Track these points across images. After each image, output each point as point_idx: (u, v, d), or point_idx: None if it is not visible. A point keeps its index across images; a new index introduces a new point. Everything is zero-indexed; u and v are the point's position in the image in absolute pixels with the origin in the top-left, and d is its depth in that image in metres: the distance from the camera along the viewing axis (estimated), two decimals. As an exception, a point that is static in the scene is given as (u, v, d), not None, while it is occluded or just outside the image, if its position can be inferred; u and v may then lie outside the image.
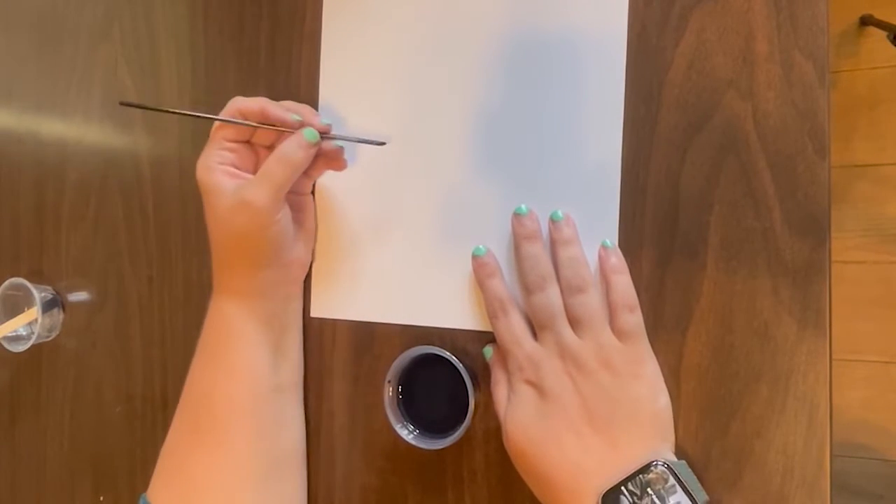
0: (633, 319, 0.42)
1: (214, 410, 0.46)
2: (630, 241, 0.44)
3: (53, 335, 0.64)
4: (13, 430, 0.66)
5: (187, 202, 0.58)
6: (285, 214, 0.46)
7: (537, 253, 0.44)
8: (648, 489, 0.37)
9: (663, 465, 0.38)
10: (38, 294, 0.62)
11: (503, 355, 0.44)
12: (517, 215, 0.45)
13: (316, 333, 0.53)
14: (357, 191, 0.51)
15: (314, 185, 0.52)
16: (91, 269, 0.63)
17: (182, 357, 0.58)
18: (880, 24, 1.30)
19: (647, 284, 0.43)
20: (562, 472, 0.39)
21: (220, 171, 0.45)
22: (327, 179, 0.52)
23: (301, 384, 0.52)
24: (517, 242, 0.45)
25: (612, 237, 0.44)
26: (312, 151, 0.45)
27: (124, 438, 0.60)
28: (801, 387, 0.40)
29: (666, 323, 0.43)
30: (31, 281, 0.63)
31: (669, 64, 0.44)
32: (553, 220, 0.44)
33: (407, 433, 0.46)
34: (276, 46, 0.55)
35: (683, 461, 0.40)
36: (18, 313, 0.64)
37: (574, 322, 0.42)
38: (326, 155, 0.48)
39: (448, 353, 0.45)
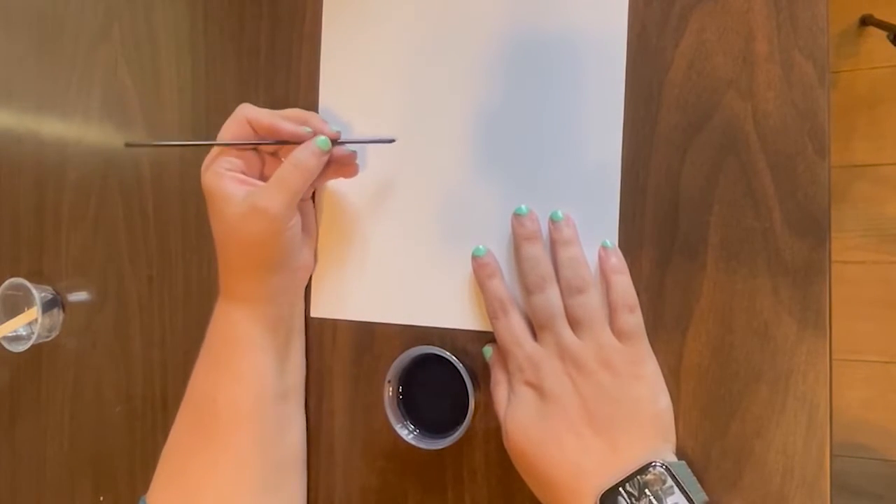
0: (633, 320, 0.42)
1: (218, 415, 0.46)
2: (630, 241, 0.44)
3: (53, 335, 0.64)
4: (13, 430, 0.66)
5: (187, 202, 0.58)
6: (297, 221, 0.46)
7: (537, 253, 0.44)
8: (646, 490, 0.37)
9: (661, 466, 0.38)
10: (38, 294, 0.62)
11: (503, 355, 0.44)
12: (517, 216, 0.45)
13: (316, 333, 0.53)
14: (357, 191, 0.51)
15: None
16: (91, 269, 0.63)
17: (182, 357, 0.58)
18: (880, 24, 1.30)
19: (647, 284, 0.43)
20: (562, 473, 0.39)
21: (228, 177, 0.45)
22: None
23: (303, 387, 0.52)
24: (517, 243, 0.45)
25: (612, 237, 0.44)
26: (325, 159, 0.46)
27: (124, 438, 0.60)
28: (801, 387, 0.40)
29: (666, 323, 0.43)
30: (31, 281, 0.63)
31: (669, 64, 0.44)
32: (553, 221, 0.44)
33: (407, 433, 0.46)
34: (276, 46, 0.55)
35: (683, 462, 0.39)
36: (18, 313, 0.64)
37: (574, 322, 0.42)
38: (339, 161, 0.48)
39: (448, 353, 0.45)
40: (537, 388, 0.41)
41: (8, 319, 0.64)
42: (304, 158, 0.44)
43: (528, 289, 0.43)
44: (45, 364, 0.65)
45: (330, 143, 0.46)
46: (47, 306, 0.63)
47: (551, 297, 0.42)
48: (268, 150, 0.48)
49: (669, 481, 0.37)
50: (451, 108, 0.49)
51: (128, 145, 0.47)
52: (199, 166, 0.47)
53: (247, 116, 0.46)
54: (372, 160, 0.51)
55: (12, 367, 0.66)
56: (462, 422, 0.44)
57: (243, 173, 0.46)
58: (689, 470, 0.39)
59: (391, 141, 0.48)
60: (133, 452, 0.60)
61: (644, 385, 0.41)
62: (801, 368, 0.40)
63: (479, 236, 0.47)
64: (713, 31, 0.43)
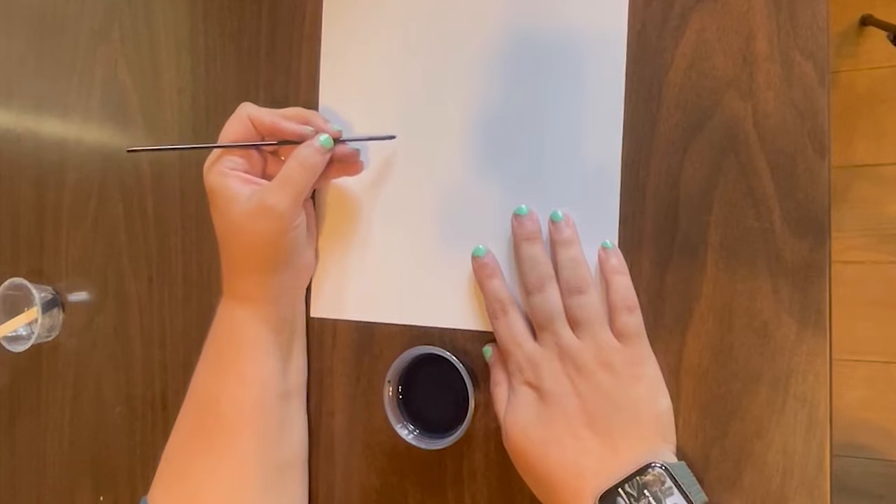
0: (633, 320, 0.42)
1: (221, 417, 0.46)
2: (630, 241, 0.44)
3: (53, 335, 0.64)
4: (13, 430, 0.66)
5: (187, 202, 0.58)
6: (303, 219, 0.46)
7: (537, 254, 0.44)
8: (645, 491, 0.37)
9: (661, 467, 0.38)
10: (38, 294, 0.62)
11: (503, 356, 0.44)
12: (517, 216, 0.45)
13: (316, 333, 0.53)
14: (357, 192, 0.51)
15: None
16: (91, 269, 0.63)
17: (182, 357, 0.58)
18: (880, 24, 1.30)
19: (647, 284, 0.43)
20: (561, 473, 0.39)
21: (232, 176, 0.45)
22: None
23: (304, 388, 0.52)
24: (517, 243, 0.45)
25: (612, 237, 0.44)
26: (328, 156, 0.46)
27: (124, 438, 0.60)
28: (800, 387, 0.40)
29: (666, 323, 0.43)
30: (31, 281, 0.63)
31: (669, 64, 0.44)
32: (553, 221, 0.44)
33: (407, 433, 0.46)
34: (276, 47, 0.55)
35: (683, 462, 0.39)
36: (18, 313, 0.64)
37: (574, 323, 0.42)
38: (342, 159, 0.48)
39: (448, 353, 0.45)
40: (537, 389, 0.41)
41: (8, 319, 0.64)
42: (308, 156, 0.45)
43: (527, 289, 0.43)
44: (45, 364, 0.65)
45: (332, 142, 0.46)
46: (47, 306, 0.63)
47: (551, 298, 0.42)
48: (269, 148, 0.48)
49: (669, 482, 0.37)
50: (451, 108, 0.49)
51: (129, 151, 0.47)
52: (199, 166, 0.47)
53: (249, 115, 0.46)
54: (372, 160, 0.51)
55: (12, 367, 0.66)
56: (462, 422, 0.44)
57: (246, 172, 0.46)
58: (689, 470, 0.39)
59: (392, 137, 0.49)
60: (133, 452, 0.60)
61: (644, 386, 0.41)
62: (801, 368, 0.40)
63: (479, 236, 0.47)
64: (713, 31, 0.43)
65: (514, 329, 0.43)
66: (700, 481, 0.40)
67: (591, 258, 0.44)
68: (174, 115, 0.59)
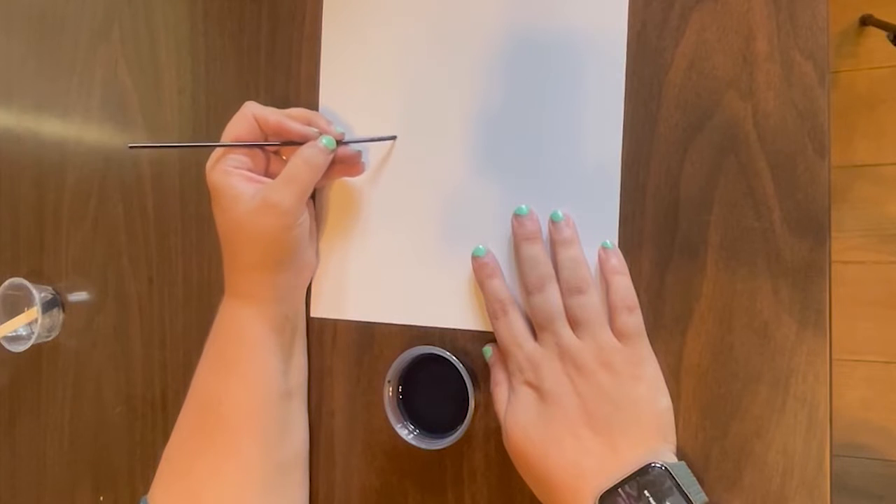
0: (633, 320, 0.42)
1: (223, 416, 0.46)
2: (630, 241, 0.44)
3: (53, 335, 0.64)
4: (13, 430, 0.66)
5: (187, 202, 0.58)
6: (306, 217, 0.47)
7: (537, 254, 0.44)
8: (645, 491, 0.37)
9: (661, 467, 0.38)
10: (38, 294, 0.62)
11: (503, 356, 0.44)
12: (517, 216, 0.45)
13: (316, 333, 0.53)
14: (357, 191, 0.51)
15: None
16: (91, 269, 0.63)
17: (182, 357, 0.58)
18: (880, 24, 1.30)
19: (647, 284, 0.43)
20: (561, 473, 0.39)
21: (236, 174, 0.45)
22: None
23: (305, 387, 0.52)
24: (517, 243, 0.45)
25: (612, 237, 0.44)
26: (331, 157, 0.46)
27: (124, 438, 0.60)
28: (800, 387, 0.40)
29: (666, 323, 0.43)
30: (31, 281, 0.63)
31: (669, 64, 0.44)
32: (553, 221, 0.44)
33: (407, 433, 0.46)
34: (276, 46, 0.55)
35: (683, 462, 0.39)
36: (18, 313, 0.64)
37: (574, 323, 0.42)
38: (344, 161, 0.49)
39: (448, 353, 0.45)
40: (537, 389, 0.41)
41: (8, 319, 0.64)
42: (313, 155, 0.45)
43: (527, 289, 0.43)
44: (45, 364, 0.65)
45: (335, 143, 0.46)
46: (47, 306, 0.63)
47: (551, 298, 0.42)
48: (272, 147, 0.48)
49: (669, 482, 0.37)
50: (451, 107, 0.49)
51: (131, 147, 0.47)
52: (200, 166, 0.47)
53: (254, 114, 0.46)
54: (372, 160, 0.51)
55: (12, 367, 0.66)
56: (462, 422, 0.44)
57: (250, 171, 0.47)
58: (689, 470, 0.39)
59: (393, 138, 0.49)
60: (133, 452, 0.60)
61: (644, 385, 0.41)
62: (801, 368, 0.40)
63: (479, 236, 0.47)
64: (713, 31, 0.43)
65: (515, 329, 0.43)
66: (700, 481, 0.40)
67: (591, 258, 0.44)
68: (174, 115, 0.59)
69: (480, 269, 0.46)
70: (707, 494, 0.39)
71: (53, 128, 0.65)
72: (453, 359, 0.45)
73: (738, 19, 0.42)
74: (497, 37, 0.48)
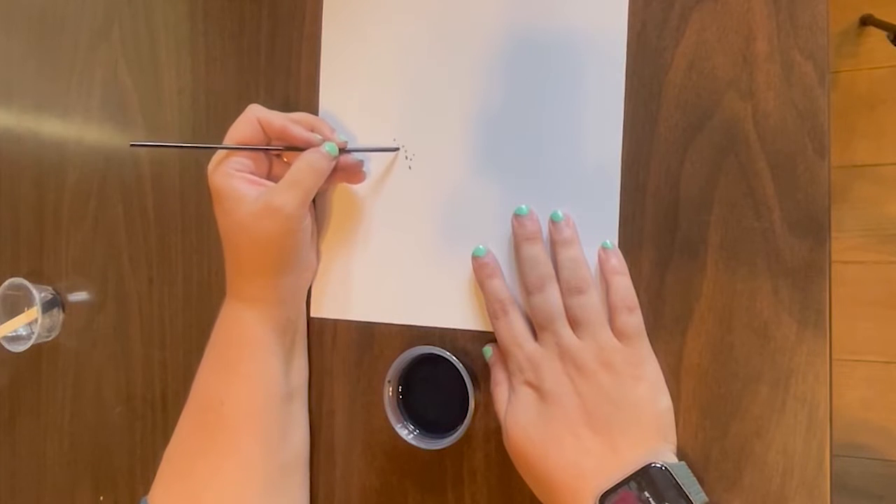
0: (633, 320, 0.42)
1: (225, 418, 0.46)
2: (630, 241, 0.44)
3: (53, 335, 0.64)
4: (13, 430, 0.66)
5: (187, 202, 0.58)
6: (308, 221, 0.47)
7: (537, 254, 0.44)
8: (645, 491, 0.37)
9: (661, 467, 0.38)
10: (38, 294, 0.62)
11: (503, 356, 0.44)
12: (517, 216, 0.45)
13: (316, 333, 0.53)
14: (357, 191, 0.51)
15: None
16: (91, 269, 0.63)
17: (182, 357, 0.58)
18: (880, 24, 1.30)
19: (647, 284, 0.43)
20: (562, 473, 0.39)
21: (238, 177, 0.45)
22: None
23: (306, 388, 0.52)
24: (517, 243, 0.45)
25: (611, 237, 0.44)
26: (333, 163, 0.47)
27: (124, 438, 0.60)
28: (801, 387, 0.40)
29: (666, 323, 0.43)
30: (31, 281, 0.63)
31: (669, 64, 0.44)
32: (553, 221, 0.44)
33: (407, 433, 0.46)
34: (276, 46, 0.55)
35: (683, 462, 0.39)
36: (18, 313, 0.64)
37: (574, 323, 0.42)
38: (346, 169, 0.49)
39: (448, 353, 0.45)
40: (537, 389, 0.41)
41: (8, 319, 0.64)
42: (316, 160, 0.45)
43: (528, 289, 0.43)
44: (45, 364, 0.65)
45: (337, 150, 0.46)
46: (47, 306, 0.63)
47: (551, 298, 0.42)
48: (274, 151, 0.48)
49: (669, 482, 0.37)
50: (451, 107, 0.49)
51: (133, 146, 0.47)
52: (199, 166, 0.47)
53: (258, 117, 0.46)
54: (372, 160, 0.51)
55: (12, 367, 0.66)
56: (462, 422, 0.44)
57: (252, 174, 0.47)
58: (689, 471, 0.39)
59: (396, 150, 0.49)
60: (133, 452, 0.60)
61: (644, 386, 0.41)
62: (801, 368, 0.40)
63: (479, 236, 0.47)
64: (713, 31, 0.43)
65: (515, 329, 0.43)
66: (700, 481, 0.40)
67: (591, 258, 0.44)
68: (174, 116, 0.59)
69: (480, 269, 0.46)
70: (707, 494, 0.39)
71: (53, 128, 0.65)
72: (453, 359, 0.45)
73: (738, 19, 0.42)
74: (497, 37, 0.48)
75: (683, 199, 0.43)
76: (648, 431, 0.40)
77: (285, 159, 0.49)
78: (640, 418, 0.40)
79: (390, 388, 0.47)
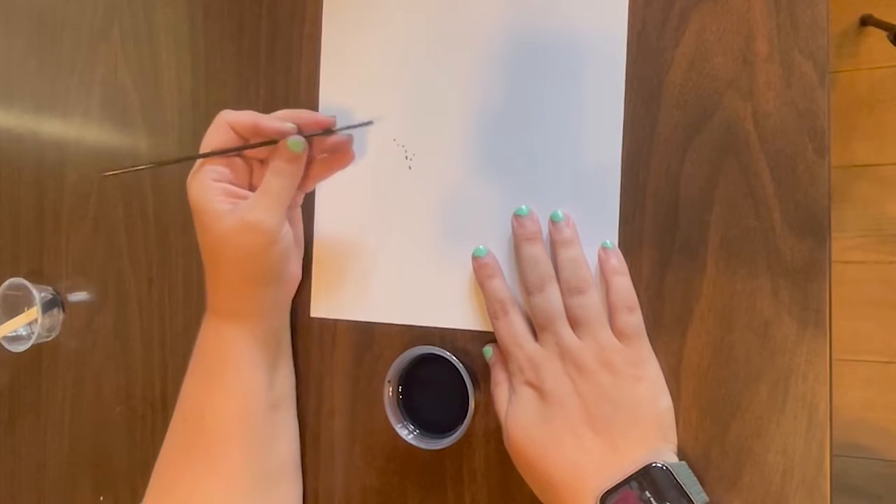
0: (633, 320, 0.42)
1: (207, 430, 0.46)
2: (630, 241, 0.44)
3: (53, 335, 0.64)
4: (13, 430, 0.66)
5: (187, 202, 0.58)
6: (288, 230, 0.45)
7: (537, 254, 0.44)
8: (646, 491, 0.37)
9: (661, 467, 0.38)
10: (38, 294, 0.62)
11: (504, 356, 0.44)
12: (517, 216, 0.45)
13: (316, 333, 0.53)
14: (357, 191, 0.51)
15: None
16: (91, 269, 0.63)
17: (182, 357, 0.58)
18: (880, 24, 1.30)
19: (647, 284, 0.43)
20: (562, 473, 0.39)
21: (214, 189, 0.43)
22: (328, 179, 0.52)
23: (293, 396, 0.51)
24: (517, 243, 0.45)
25: (612, 237, 0.44)
26: (303, 159, 0.43)
27: (124, 438, 0.60)
28: (801, 387, 0.40)
29: (666, 323, 0.43)
30: (31, 281, 0.63)
31: (669, 64, 0.44)
32: (553, 221, 0.44)
33: (407, 433, 0.46)
34: (276, 47, 0.55)
35: (683, 462, 0.39)
36: (18, 313, 0.64)
37: (574, 323, 0.42)
38: (335, 149, 0.46)
39: (448, 353, 0.45)
40: (538, 389, 0.41)
41: (8, 319, 0.64)
42: (280, 165, 0.43)
43: (528, 289, 0.43)
44: (45, 364, 0.65)
45: (303, 144, 0.43)
46: (47, 306, 0.63)
47: (551, 298, 0.42)
48: (256, 157, 0.46)
49: (669, 482, 0.37)
50: (451, 107, 0.49)
51: (106, 175, 0.45)
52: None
53: (227, 121, 0.44)
54: (372, 160, 0.51)
55: (12, 367, 0.66)
56: (462, 422, 0.44)
57: (231, 183, 0.45)
58: (690, 470, 0.39)
59: (370, 123, 0.45)
60: (133, 452, 0.60)
61: (644, 385, 0.41)
62: (801, 368, 0.40)
63: (479, 236, 0.47)
64: (713, 31, 0.43)
65: (515, 329, 0.43)
66: (700, 481, 0.40)
67: (591, 258, 0.44)
68: (174, 116, 0.59)
69: (481, 269, 0.46)
70: (707, 494, 0.39)
71: (53, 128, 0.65)
72: (453, 359, 0.45)
73: (738, 19, 0.42)
74: (497, 37, 0.48)
75: (683, 199, 0.43)
76: (649, 431, 0.40)
77: (263, 160, 0.47)
78: (641, 418, 0.40)
79: (390, 388, 0.47)
